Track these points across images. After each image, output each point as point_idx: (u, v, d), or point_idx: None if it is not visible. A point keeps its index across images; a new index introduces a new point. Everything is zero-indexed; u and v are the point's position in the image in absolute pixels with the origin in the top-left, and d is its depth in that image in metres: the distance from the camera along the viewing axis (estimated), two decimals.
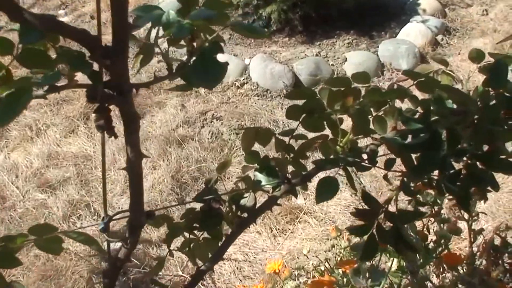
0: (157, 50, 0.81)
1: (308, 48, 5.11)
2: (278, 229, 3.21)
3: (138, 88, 0.75)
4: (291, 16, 5.24)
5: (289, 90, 4.52)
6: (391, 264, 1.60)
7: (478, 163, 0.89)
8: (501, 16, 5.96)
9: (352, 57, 4.89)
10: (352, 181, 0.89)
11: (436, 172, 0.92)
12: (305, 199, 3.42)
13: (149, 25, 0.82)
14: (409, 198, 1.45)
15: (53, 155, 3.88)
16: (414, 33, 5.21)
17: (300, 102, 0.96)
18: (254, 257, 3.05)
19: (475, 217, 1.95)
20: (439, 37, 5.37)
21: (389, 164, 0.90)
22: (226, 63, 0.73)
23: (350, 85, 1.04)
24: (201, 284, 2.89)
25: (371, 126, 1.05)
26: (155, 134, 3.99)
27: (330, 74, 4.70)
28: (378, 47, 5.06)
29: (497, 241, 1.84)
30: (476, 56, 1.12)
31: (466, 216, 1.92)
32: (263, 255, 3.03)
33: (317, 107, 0.93)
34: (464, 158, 0.90)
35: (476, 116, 0.87)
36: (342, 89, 1.04)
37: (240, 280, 2.92)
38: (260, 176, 0.94)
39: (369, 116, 1.06)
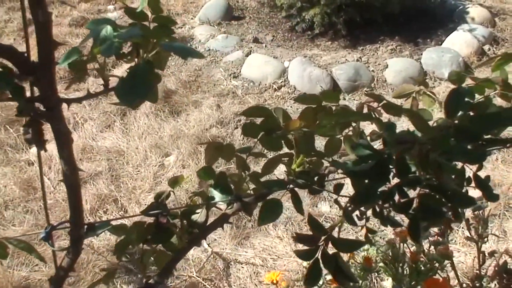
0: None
1: (349, 52, 5.05)
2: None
3: (69, 103, 0.76)
4: (334, 19, 5.19)
5: None
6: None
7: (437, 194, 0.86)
8: None
9: (393, 64, 4.81)
10: (299, 204, 0.87)
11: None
12: (330, 206, 3.39)
13: None
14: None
15: (87, 148, 3.97)
16: (459, 42, 5.08)
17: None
18: (273, 263, 3.04)
19: (485, 239, 1.90)
20: (486, 47, 5.22)
21: (338, 189, 0.89)
22: (154, 83, 0.73)
23: (320, 103, 1.02)
24: (217, 286, 2.91)
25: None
26: (188, 133, 4.02)
27: (369, 80, 4.64)
28: (421, 54, 4.96)
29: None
30: (457, 78, 1.08)
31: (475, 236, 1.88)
32: (281, 261, 3.02)
33: (275, 127, 0.92)
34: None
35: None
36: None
37: (256, 285, 2.91)
38: (214, 193, 0.94)
39: (339, 136, 1.04)
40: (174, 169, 3.68)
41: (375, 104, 1.01)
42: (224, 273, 2.97)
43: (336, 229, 0.84)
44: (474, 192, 3.02)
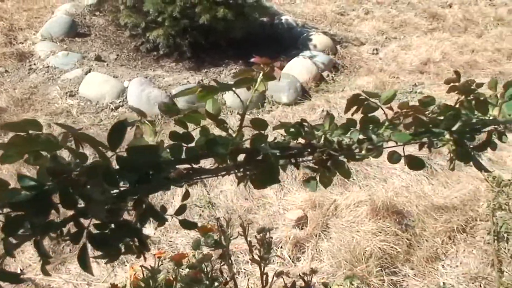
0: None
1: (192, 74, 5.10)
2: (118, 260, 3.13)
3: None
4: (180, 41, 5.22)
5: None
6: None
7: None
8: (391, 56, 6.15)
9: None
10: None
11: None
12: (155, 229, 3.37)
13: None
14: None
15: None
16: (299, 67, 5.29)
17: None
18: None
19: (268, 261, 1.96)
20: (325, 73, 5.47)
21: None
22: None
23: (27, 131, 1.00)
24: None
25: None
26: None
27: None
28: None
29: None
30: (166, 109, 1.11)
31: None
32: (94, 286, 2.95)
33: None
34: None
35: None
36: None
37: None
38: None
39: None
40: None
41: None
42: None
43: None
44: (294, 213, 3.09)
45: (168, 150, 1.06)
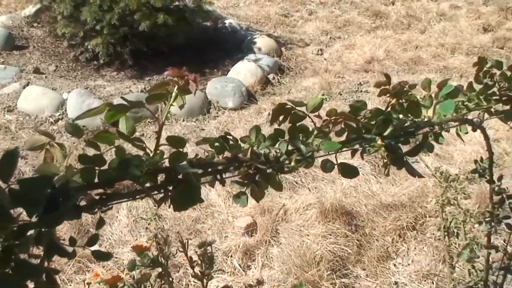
0: None
1: (135, 83, 4.99)
2: (63, 280, 3.01)
3: None
4: (120, 49, 5.09)
5: (107, 128, 4.35)
6: None
7: None
8: (335, 56, 6.16)
9: None
10: None
11: None
12: (99, 245, 3.25)
13: None
14: None
15: None
16: (244, 71, 5.23)
17: None
18: None
19: (210, 276, 1.89)
20: (270, 76, 5.42)
21: None
22: None
23: None
24: None
25: None
26: None
27: (153, 111, 4.57)
28: (207, 84, 5.02)
29: None
30: (73, 129, 1.02)
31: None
32: None
33: None
34: None
35: None
36: None
37: None
38: None
39: None
40: None
41: None
42: None
43: None
44: (243, 220, 3.03)
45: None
